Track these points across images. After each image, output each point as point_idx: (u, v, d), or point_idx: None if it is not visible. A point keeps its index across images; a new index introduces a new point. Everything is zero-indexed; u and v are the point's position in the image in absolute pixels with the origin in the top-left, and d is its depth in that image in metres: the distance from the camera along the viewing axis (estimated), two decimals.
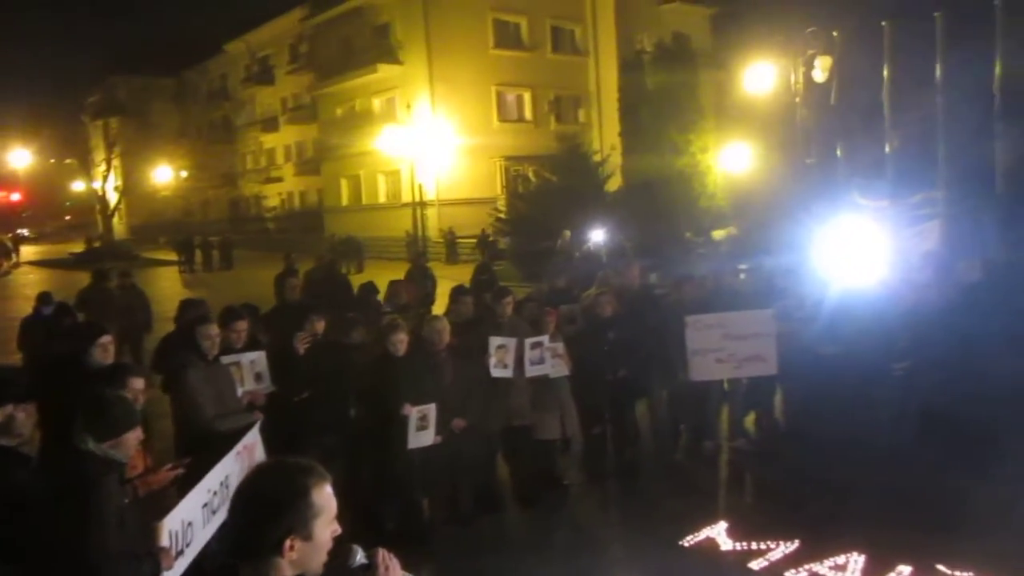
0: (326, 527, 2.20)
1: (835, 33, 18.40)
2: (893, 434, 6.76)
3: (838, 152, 20.81)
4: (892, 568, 5.50)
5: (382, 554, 2.40)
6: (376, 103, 38.46)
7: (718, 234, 22.46)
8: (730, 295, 8.44)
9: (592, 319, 7.91)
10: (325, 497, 2.20)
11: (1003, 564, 5.30)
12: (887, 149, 19.69)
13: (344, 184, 41.76)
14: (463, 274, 13.39)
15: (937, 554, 5.50)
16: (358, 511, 5.88)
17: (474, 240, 30.02)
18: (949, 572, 5.40)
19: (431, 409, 6.33)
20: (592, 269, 11.08)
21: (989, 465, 6.43)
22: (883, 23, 19.54)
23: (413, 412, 6.26)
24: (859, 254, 8.26)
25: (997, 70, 17.36)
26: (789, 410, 8.52)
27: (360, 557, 2.33)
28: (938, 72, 18.48)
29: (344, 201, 41.87)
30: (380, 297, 9.53)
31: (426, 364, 6.57)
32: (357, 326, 7.08)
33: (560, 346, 7.24)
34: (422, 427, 6.32)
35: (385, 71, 36.20)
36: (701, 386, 7.73)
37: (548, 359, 7.13)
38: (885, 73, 19.55)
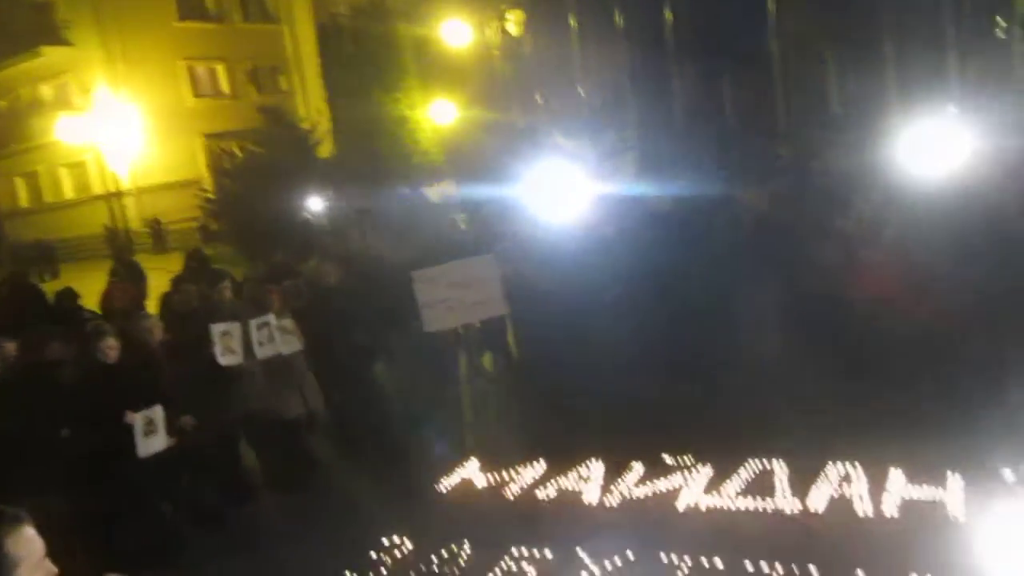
0: (33, 573, 2.02)
1: None
2: (612, 356, 7.39)
3: (538, 99, 21.90)
4: (627, 467, 6.06)
5: None
6: (45, 90, 34.25)
7: (433, 191, 22.84)
8: (452, 245, 8.66)
9: (318, 289, 7.77)
10: (23, 543, 2.01)
11: (713, 448, 6.05)
12: (581, 94, 21.12)
13: (20, 183, 36.93)
14: (176, 264, 12.48)
15: (662, 447, 6.14)
16: (95, 538, 5.39)
17: (183, 226, 27.82)
18: (673, 461, 6.07)
19: (156, 412, 5.92)
20: (311, 239, 10.85)
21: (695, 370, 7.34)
22: None
23: (137, 418, 5.84)
24: (563, 192, 8.82)
25: (668, 16, 19.23)
26: (521, 345, 8.99)
27: None
28: (617, 20, 20.09)
29: (24, 202, 37.07)
30: (81, 302, 8.64)
31: (142, 366, 6.13)
32: (52, 340, 6.36)
33: (289, 322, 7.04)
34: (150, 432, 5.90)
35: (51, 54, 32.25)
36: (437, 336, 7.92)
37: (278, 337, 6.93)
38: (571, 23, 20.86)
